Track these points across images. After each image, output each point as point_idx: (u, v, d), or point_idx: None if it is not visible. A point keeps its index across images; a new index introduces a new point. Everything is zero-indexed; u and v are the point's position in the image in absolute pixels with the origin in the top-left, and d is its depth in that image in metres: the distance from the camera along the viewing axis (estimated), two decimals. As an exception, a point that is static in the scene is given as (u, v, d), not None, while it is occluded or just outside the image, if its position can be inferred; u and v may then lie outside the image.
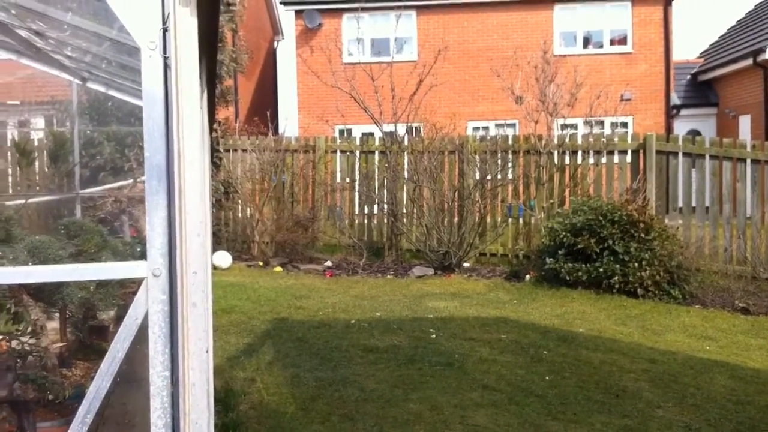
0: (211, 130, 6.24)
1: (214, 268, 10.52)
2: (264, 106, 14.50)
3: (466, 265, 10.65)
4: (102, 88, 6.69)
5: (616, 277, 9.07)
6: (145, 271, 1.65)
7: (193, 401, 1.62)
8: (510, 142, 11.42)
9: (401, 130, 11.41)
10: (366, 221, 11.96)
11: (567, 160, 11.19)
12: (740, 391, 6.30)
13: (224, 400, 5.23)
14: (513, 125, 17.50)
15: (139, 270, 1.66)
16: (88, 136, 7.90)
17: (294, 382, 5.75)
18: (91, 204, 6.31)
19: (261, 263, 11.02)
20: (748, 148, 10.47)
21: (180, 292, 1.62)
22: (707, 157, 10.56)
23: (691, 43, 27.62)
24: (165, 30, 1.69)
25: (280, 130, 12.99)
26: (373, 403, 5.36)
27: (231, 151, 12.29)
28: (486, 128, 19.64)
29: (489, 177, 11.15)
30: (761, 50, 18.00)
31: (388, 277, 10.27)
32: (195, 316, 1.64)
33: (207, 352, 2.02)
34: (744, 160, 10.48)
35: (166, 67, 1.68)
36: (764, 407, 5.99)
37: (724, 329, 8.24)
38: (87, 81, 6.55)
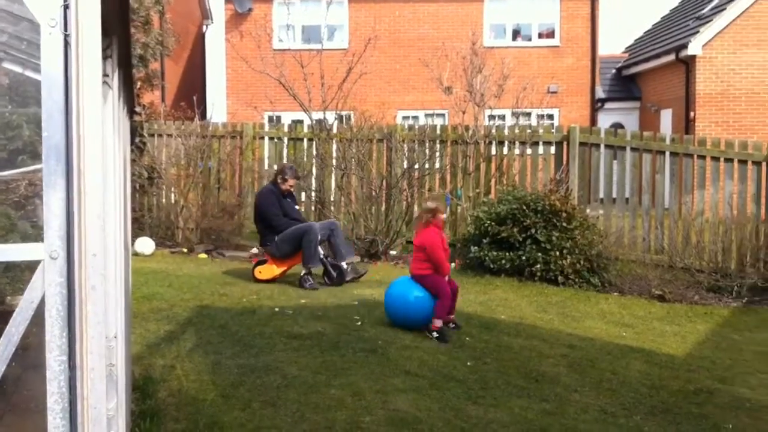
0: (133, 113, 6.12)
1: (136, 254, 10.33)
2: (192, 91, 14.28)
3: (393, 252, 10.71)
4: (19, 69, 6.48)
5: (538, 265, 9.25)
6: (42, 254, 1.61)
7: (92, 386, 1.59)
8: (438, 131, 11.52)
9: (330, 117, 11.38)
10: (294, 208, 11.89)
11: (494, 151, 11.34)
12: (654, 376, 6.51)
13: (143, 388, 5.15)
14: (443, 115, 17.65)
15: (36, 252, 1.61)
16: (6, 118, 7.66)
17: (215, 369, 5.70)
18: (4, 187, 6.13)
19: (185, 250, 10.87)
20: (667, 141, 10.78)
21: (78, 275, 1.59)
22: (628, 149, 10.83)
23: (616, 38, 28.29)
24: (66, 6, 1.64)
25: (208, 116, 12.81)
26: (295, 389, 5.36)
27: (156, 135, 12.07)
28: (416, 118, 19.74)
29: (417, 166, 11.23)
30: (684, 46, 18.53)
31: (315, 264, 10.25)
32: (94, 299, 1.61)
33: (115, 337, 1.98)
34: (663, 153, 10.79)
35: (67, 45, 1.64)
36: (677, 391, 6.20)
37: (640, 316, 8.49)
38: (3, 61, 6.33)
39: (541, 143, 11.29)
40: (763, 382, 6.66)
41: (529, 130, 11.29)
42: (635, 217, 10.65)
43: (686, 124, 18.56)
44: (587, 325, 7.93)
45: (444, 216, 7.35)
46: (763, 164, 10.17)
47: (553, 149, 11.25)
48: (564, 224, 9.38)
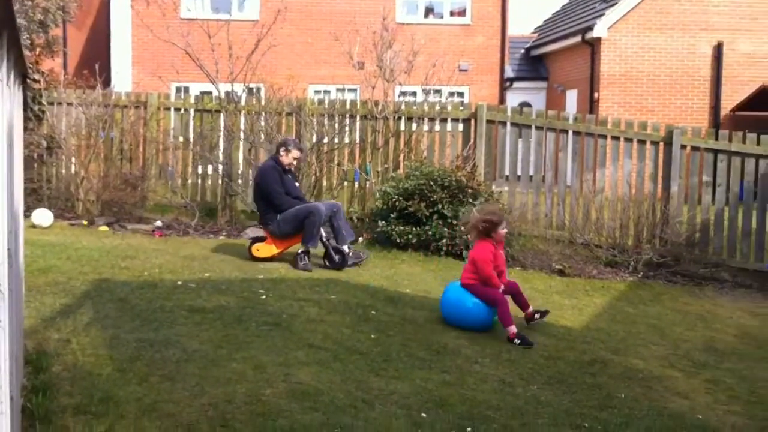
0: (26, 79, 5.86)
1: (33, 226, 9.97)
2: (96, 60, 13.77)
3: (300, 227, 10.64)
4: None
5: (444, 240, 9.36)
6: None
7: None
8: (348, 106, 11.48)
9: (239, 89, 11.18)
10: (200, 181, 11.70)
11: (403, 127, 11.38)
12: (552, 347, 6.71)
13: (35, 362, 4.99)
14: (354, 90, 17.58)
15: None
16: None
17: (113, 343, 5.56)
18: None
19: (86, 222, 10.54)
20: (570, 120, 11.03)
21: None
22: (533, 127, 11.04)
23: (526, 18, 28.70)
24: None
25: (112, 85, 12.41)
26: (195, 363, 5.29)
27: (55, 104, 11.63)
28: (327, 92, 19.59)
29: (326, 140, 11.17)
30: (589, 28, 18.97)
31: (221, 237, 10.11)
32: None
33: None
34: (566, 132, 11.04)
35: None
36: (573, 362, 6.41)
37: (541, 290, 8.71)
38: None
39: (449, 120, 11.39)
40: (655, 353, 6.95)
41: (437, 107, 11.36)
42: (539, 193, 10.89)
43: (591, 105, 19.06)
44: (490, 299, 8.08)
45: (505, 231, 7.21)
46: (661, 144, 10.52)
47: (461, 126, 11.37)
48: (470, 200, 9.51)
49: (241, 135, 11.17)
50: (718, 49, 18.82)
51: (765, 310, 8.87)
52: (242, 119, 11.25)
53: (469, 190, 9.55)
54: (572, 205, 10.68)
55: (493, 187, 10.63)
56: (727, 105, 18.84)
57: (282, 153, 8.82)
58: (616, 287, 9.16)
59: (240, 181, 11.19)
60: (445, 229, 9.39)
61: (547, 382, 5.92)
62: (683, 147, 10.42)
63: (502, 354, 6.39)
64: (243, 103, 11.31)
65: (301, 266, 8.47)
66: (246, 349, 5.66)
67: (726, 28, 18.88)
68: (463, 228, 7.38)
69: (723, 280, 9.76)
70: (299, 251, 8.59)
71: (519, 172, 11.23)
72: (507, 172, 11.24)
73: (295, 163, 9.14)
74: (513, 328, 6.71)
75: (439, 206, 9.43)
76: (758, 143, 10.24)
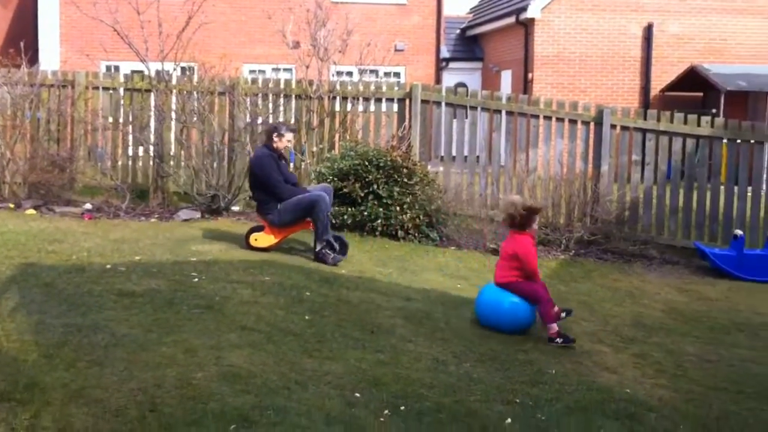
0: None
1: (-44, 210, 9.64)
2: (23, 38, 13.32)
3: (235, 208, 10.53)
4: None
5: (380, 221, 9.37)
6: None
7: None
8: (282, 85, 11.36)
9: (170, 68, 10.95)
10: (131, 163, 11.45)
11: (338, 106, 11.32)
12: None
13: (-44, 350, 4.83)
14: (290, 70, 17.43)
15: None
16: None
17: (39, 328, 5.41)
18: None
19: (12, 205, 10.22)
20: (504, 101, 11.13)
21: None
22: (467, 107, 11.10)
23: (462, -2, 28.82)
24: None
25: (38, 64, 12.02)
26: (124, 347, 5.18)
27: (-22, 83, 11.21)
28: (262, 72, 19.36)
29: (260, 120, 11.04)
30: (523, 9, 19.12)
31: (153, 220, 9.92)
32: None
33: None
34: (500, 112, 11.14)
35: None
36: (505, 339, 6.50)
37: (475, 269, 8.80)
38: None
39: (384, 100, 11.36)
40: (585, 329, 7.10)
41: (372, 87, 11.32)
42: (473, 173, 10.98)
43: (525, 85, 19.26)
44: (425, 278, 8.14)
45: (537, 223, 6.87)
46: (592, 124, 10.70)
47: (396, 106, 11.36)
48: (405, 180, 9.52)
49: (173, 115, 10.96)
50: (648, 30, 19.20)
51: (691, 286, 9.14)
52: (174, 99, 11.03)
53: (405, 170, 9.56)
54: (506, 185, 10.81)
55: (429, 167, 10.66)
56: (656, 85, 19.25)
57: (275, 139, 8.52)
58: (549, 265, 9.30)
59: (172, 162, 10.98)
60: (381, 209, 9.39)
61: (479, 359, 5.99)
62: (613, 127, 10.63)
63: (436, 333, 6.44)
64: (174, 82, 11.09)
65: (331, 261, 8.18)
66: (177, 333, 5.57)
67: (656, 9, 19.25)
68: (501, 219, 6.98)
69: (651, 256, 10.00)
70: (320, 248, 8.26)
71: (454, 153, 11.29)
72: (442, 153, 11.29)
73: (289, 146, 8.87)
74: (555, 326, 6.47)
75: (375, 186, 9.42)
76: (685, 122, 10.50)
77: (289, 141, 8.69)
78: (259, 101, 11.22)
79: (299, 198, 8.36)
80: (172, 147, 11.11)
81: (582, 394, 5.49)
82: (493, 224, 10.23)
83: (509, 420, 4.91)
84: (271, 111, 11.15)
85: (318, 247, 8.28)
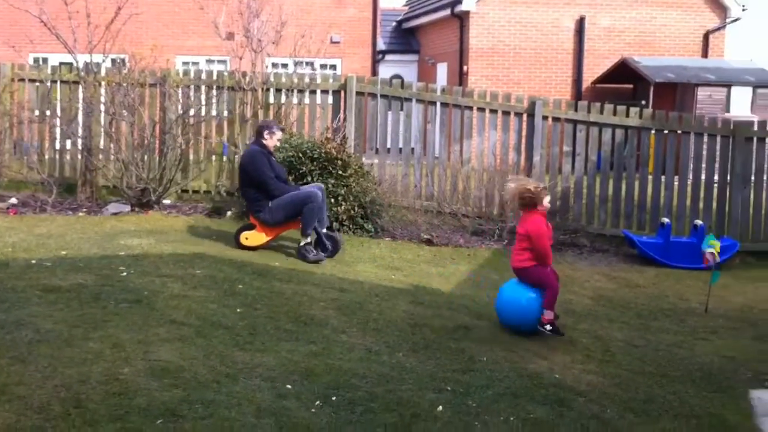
0: None
1: None
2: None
3: (166, 201, 10.36)
4: None
5: (315, 213, 9.30)
6: None
7: None
8: (214, 77, 11.21)
9: (99, 60, 10.71)
10: (58, 156, 11.17)
11: (272, 98, 11.22)
12: (418, 315, 6.81)
13: None
14: (224, 62, 17.23)
15: None
16: None
17: (-42, 326, 5.25)
18: None
19: (-68, 201, 9.91)
20: (438, 93, 11.18)
21: None
22: (402, 99, 11.12)
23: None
24: None
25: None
26: (48, 344, 5.06)
27: None
28: (196, 64, 19.09)
29: (192, 112, 10.88)
30: (458, 2, 19.22)
31: (81, 214, 9.70)
32: None
33: None
34: (435, 104, 11.19)
35: None
36: (438, 329, 6.53)
37: (409, 259, 8.83)
38: None
39: (319, 92, 11.31)
40: (516, 316, 7.17)
41: (307, 79, 11.26)
42: (408, 165, 11.01)
43: (460, 78, 19.39)
44: (359, 270, 8.14)
45: (548, 199, 6.66)
46: (524, 115, 10.83)
47: (330, 98, 11.32)
48: (340, 172, 9.49)
49: (102, 107, 10.72)
50: (581, 23, 19.51)
51: (620, 273, 9.33)
52: (103, 91, 10.80)
53: (339, 162, 9.53)
54: (440, 176, 10.87)
55: (364, 159, 10.65)
56: (588, 77, 19.59)
57: (266, 136, 8.47)
58: (482, 255, 9.39)
59: (101, 155, 10.75)
60: (315, 201, 9.33)
61: (412, 348, 6.02)
62: (545, 118, 10.77)
63: (369, 323, 6.44)
64: (103, 73, 10.85)
65: (313, 259, 8.16)
66: (103, 328, 5.47)
67: (588, 2, 19.58)
68: (507, 202, 6.80)
69: (582, 245, 10.18)
70: (304, 244, 8.25)
71: (389, 144, 11.31)
72: (377, 144, 11.30)
73: (278, 144, 8.81)
74: (551, 314, 6.44)
75: (309, 178, 9.37)
76: (615, 113, 10.72)
77: (279, 140, 8.68)
78: (191, 93, 11.06)
79: (292, 195, 8.32)
80: (101, 140, 10.87)
81: (512, 380, 5.56)
82: (428, 215, 10.29)
83: (440, 408, 4.95)
84: (203, 103, 11.00)
85: (302, 242, 8.28)
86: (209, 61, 18.29)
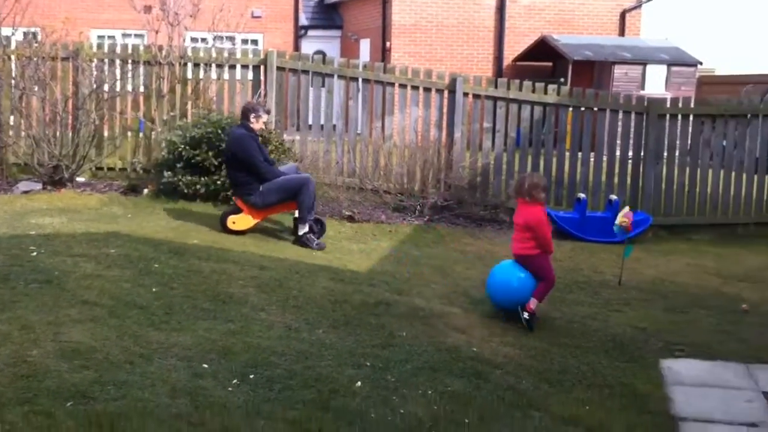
0: None
1: None
2: None
3: (80, 179, 10.06)
4: None
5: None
6: None
7: None
8: (130, 51, 10.88)
9: (8, 33, 10.28)
10: (-36, 133, 10.71)
11: (190, 73, 10.98)
12: (338, 292, 6.80)
13: None
14: (141, 36, 16.77)
15: None
16: None
17: None
18: None
19: None
20: (360, 69, 11.13)
21: None
22: (324, 75, 11.03)
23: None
24: None
25: None
26: (-48, 327, 4.88)
27: None
28: (112, 37, 18.56)
29: (106, 87, 10.57)
30: (380, -23, 19.14)
31: (-11, 193, 9.36)
32: None
33: None
34: (356, 80, 11.14)
35: None
36: (359, 305, 6.54)
37: (330, 236, 8.79)
38: None
39: (239, 67, 11.10)
40: (436, 292, 7.25)
41: (226, 53, 11.04)
42: (330, 142, 10.95)
43: (383, 54, 19.35)
44: (279, 247, 8.08)
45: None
46: (445, 92, 10.87)
47: (251, 74, 11.13)
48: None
49: (12, 82, 10.31)
50: (501, 1, 19.67)
51: (538, 248, 9.49)
52: (12, 65, 10.38)
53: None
54: (362, 153, 10.85)
55: (285, 135, 10.55)
56: (509, 55, 19.80)
57: (252, 119, 8.37)
58: (403, 231, 9.43)
59: (11, 132, 10.35)
60: (235, 178, 9.21)
61: (332, 325, 6.01)
62: (466, 95, 10.84)
63: (289, 301, 6.40)
64: (13, 47, 10.42)
65: (316, 247, 8.21)
66: (12, 310, 5.29)
67: (508, -19, 19.75)
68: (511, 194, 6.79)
69: (501, 220, 10.31)
70: (304, 232, 8.24)
71: (310, 121, 11.21)
72: (299, 121, 11.19)
73: (264, 128, 8.75)
74: (536, 304, 6.46)
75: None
76: (533, 90, 10.85)
77: (264, 122, 8.62)
78: (106, 67, 10.72)
79: (284, 180, 8.29)
80: (11, 116, 10.47)
81: (431, 354, 5.61)
82: (349, 192, 10.27)
83: (359, 383, 4.96)
84: (118, 77, 10.69)
85: (302, 231, 8.26)
86: (126, 35, 17.78)
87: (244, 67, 11.09)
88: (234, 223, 8.35)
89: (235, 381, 4.75)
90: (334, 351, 5.46)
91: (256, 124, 8.43)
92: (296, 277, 7.06)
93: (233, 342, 5.35)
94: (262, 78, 10.95)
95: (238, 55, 11.09)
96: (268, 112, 8.81)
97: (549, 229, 6.68)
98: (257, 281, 6.77)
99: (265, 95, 10.80)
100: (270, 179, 8.25)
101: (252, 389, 4.68)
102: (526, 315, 6.42)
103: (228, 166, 8.56)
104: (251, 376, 4.84)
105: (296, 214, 8.46)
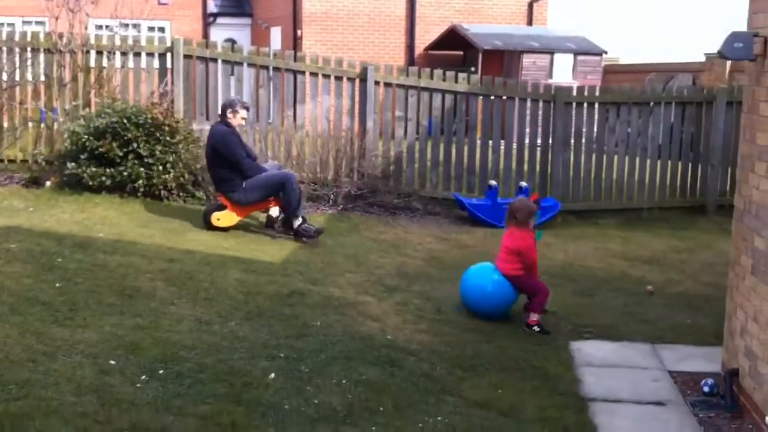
0: None
1: None
2: None
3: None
4: None
5: (141, 181, 8.94)
6: None
7: None
8: (29, 38, 10.43)
9: None
10: None
11: (93, 62, 10.60)
12: (251, 283, 6.71)
13: None
14: (42, 23, 16.14)
15: None
16: None
17: None
18: None
19: None
20: (270, 57, 10.97)
21: None
22: (233, 63, 10.83)
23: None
24: None
25: None
26: None
27: None
28: (12, 25, 17.83)
29: (5, 76, 10.12)
30: (290, -35, 18.92)
31: None
32: None
33: None
34: (266, 68, 10.98)
35: None
36: (272, 296, 6.47)
37: (242, 227, 8.65)
38: None
39: (144, 55, 10.77)
40: (350, 281, 7.23)
41: (131, 41, 10.71)
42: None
43: (294, 42, 19.16)
44: (189, 239, 7.90)
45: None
46: (357, 81, 10.82)
47: (157, 62, 10.82)
48: (168, 138, 9.15)
49: None
50: (412, -10, 19.76)
51: (451, 235, 9.58)
52: None
53: (167, 128, 9.17)
54: (274, 142, 10.72)
55: (194, 125, 10.31)
56: (421, 44, 19.89)
57: (230, 115, 8.40)
58: (317, 220, 9.35)
59: None
60: (142, 169, 8.96)
61: (245, 317, 5.92)
62: (377, 83, 10.82)
63: (200, 293, 6.28)
64: None
65: (315, 233, 8.35)
66: None
67: (418, -30, 19.82)
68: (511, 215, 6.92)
69: (415, 208, 10.35)
70: (299, 225, 8.32)
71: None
72: (208, 110, 10.94)
73: (243, 123, 8.72)
74: (537, 317, 6.46)
75: (135, 145, 8.97)
76: (444, 79, 10.92)
77: (243, 118, 8.58)
78: (4, 56, 10.25)
79: (266, 176, 8.35)
80: None
81: (345, 343, 5.60)
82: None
83: (272, 375, 4.91)
84: (17, 65, 10.24)
85: (296, 224, 8.34)
86: (26, 23, 17.10)
87: (150, 55, 10.77)
88: (218, 219, 8.37)
89: (143, 377, 4.63)
90: (246, 343, 5.38)
91: (234, 120, 8.45)
92: (207, 269, 6.93)
93: (141, 337, 5.21)
94: (168, 66, 10.68)
95: (144, 43, 10.77)
96: (246, 108, 8.76)
97: (536, 253, 6.81)
98: (166, 274, 6.61)
99: (172, 84, 10.53)
100: (252, 176, 8.30)
101: (161, 385, 4.56)
102: (536, 328, 6.45)
103: (210, 163, 8.52)
104: (160, 372, 4.72)
105: (270, 212, 8.64)
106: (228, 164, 8.28)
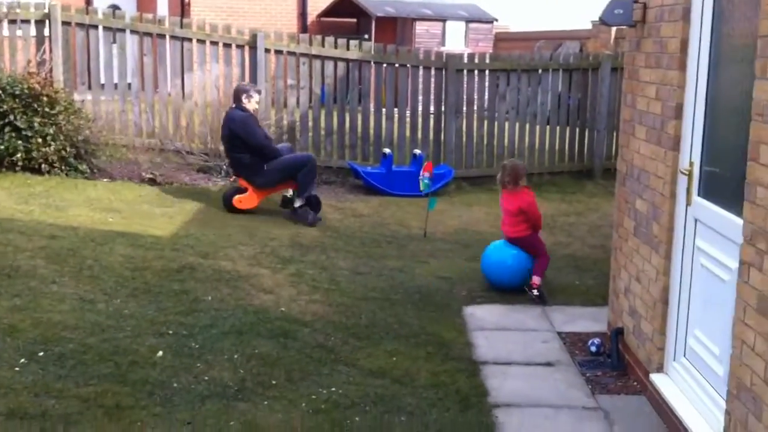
0: None
1: None
2: None
3: None
4: None
5: (19, 154, 8.52)
6: None
7: None
8: None
9: None
10: None
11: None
12: (138, 259, 6.49)
13: None
14: None
15: None
16: None
17: None
18: None
19: None
20: (155, 24, 10.58)
21: None
22: (115, 30, 10.40)
23: None
24: None
25: None
26: None
27: None
28: None
29: None
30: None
31: None
32: None
33: None
34: (150, 35, 10.58)
35: None
36: (160, 271, 6.27)
37: (129, 200, 8.38)
38: None
39: (19, 21, 10.22)
40: (242, 253, 7.09)
41: (4, 8, 10.12)
42: (126, 101, 10.38)
43: (182, 8, 18.57)
44: (72, 214, 7.57)
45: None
46: (246, 48, 10.58)
47: (33, 29, 10.28)
48: (47, 109, 8.73)
49: None
50: (303, -45, 19.43)
51: (346, 204, 9.54)
52: None
53: (45, 99, 8.75)
54: (161, 112, 10.38)
55: (75, 95, 9.88)
56: (313, 11, 19.64)
57: (245, 100, 8.33)
58: (209, 192, 9.14)
59: None
60: (20, 142, 8.54)
61: (131, 294, 5.73)
62: (267, 51, 10.60)
63: (84, 271, 6.03)
64: None
65: (312, 220, 8.31)
66: None
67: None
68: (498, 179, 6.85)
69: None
70: (300, 205, 8.36)
71: (103, 80, 10.56)
72: (90, 79, 10.49)
73: (257, 107, 8.63)
74: (539, 280, 6.50)
75: (11, 117, 8.53)
76: (336, 46, 10.79)
77: (257, 102, 8.55)
78: None
79: (290, 158, 8.48)
80: None
81: (238, 317, 5.48)
82: (150, 153, 9.81)
83: (160, 353, 4.77)
84: None
85: (298, 204, 8.37)
86: None
87: (26, 22, 10.22)
88: (240, 202, 8.43)
89: (22, 360, 4.42)
90: (133, 321, 5.20)
91: (249, 104, 8.38)
92: (91, 245, 6.65)
93: (20, 318, 4.97)
94: (46, 34, 10.15)
95: (18, 9, 10.20)
96: (258, 92, 8.69)
97: (537, 207, 6.89)
98: (47, 251, 6.31)
99: (51, 52, 10.03)
100: (273, 158, 8.34)
101: (41, 368, 4.36)
102: (535, 292, 6.48)
103: (230, 148, 8.47)
104: (40, 354, 4.51)
105: (289, 194, 8.65)
106: (248, 149, 8.27)
